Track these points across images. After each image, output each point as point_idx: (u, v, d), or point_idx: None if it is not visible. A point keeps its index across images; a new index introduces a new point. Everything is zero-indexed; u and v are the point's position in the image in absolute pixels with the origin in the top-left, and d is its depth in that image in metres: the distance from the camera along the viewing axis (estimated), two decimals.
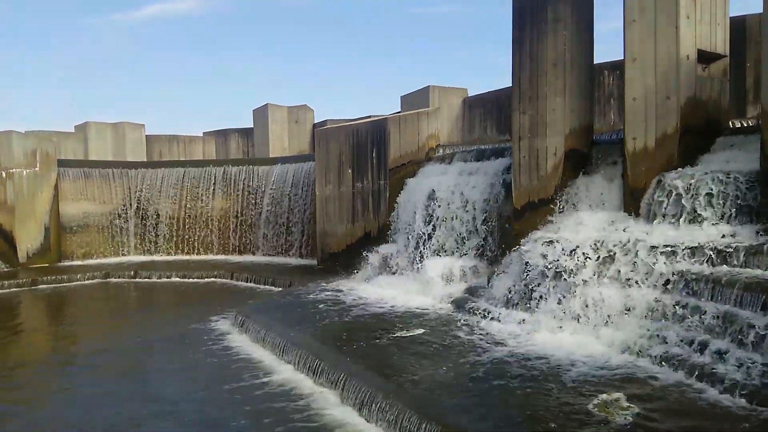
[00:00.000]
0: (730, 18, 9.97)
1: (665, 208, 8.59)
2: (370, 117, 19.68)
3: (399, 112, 19.06)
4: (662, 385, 6.53)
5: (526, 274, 9.75)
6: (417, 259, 13.60)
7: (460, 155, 14.94)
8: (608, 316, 8.21)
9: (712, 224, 8.07)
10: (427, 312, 10.87)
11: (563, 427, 5.59)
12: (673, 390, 6.37)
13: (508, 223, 11.91)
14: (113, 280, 18.92)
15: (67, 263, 21.31)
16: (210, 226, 22.47)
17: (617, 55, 11.20)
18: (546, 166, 10.96)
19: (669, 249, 7.96)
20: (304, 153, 24.92)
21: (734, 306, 6.77)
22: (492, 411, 6.14)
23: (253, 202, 22.13)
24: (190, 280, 18.53)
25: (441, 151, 16.71)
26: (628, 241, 8.47)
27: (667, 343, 7.21)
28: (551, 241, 9.56)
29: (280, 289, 15.77)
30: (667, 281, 7.73)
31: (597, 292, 8.48)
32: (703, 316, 6.98)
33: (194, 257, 22.07)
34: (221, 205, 22.47)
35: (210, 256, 22.08)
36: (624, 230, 8.98)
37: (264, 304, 13.05)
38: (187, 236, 22.56)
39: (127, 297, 16.77)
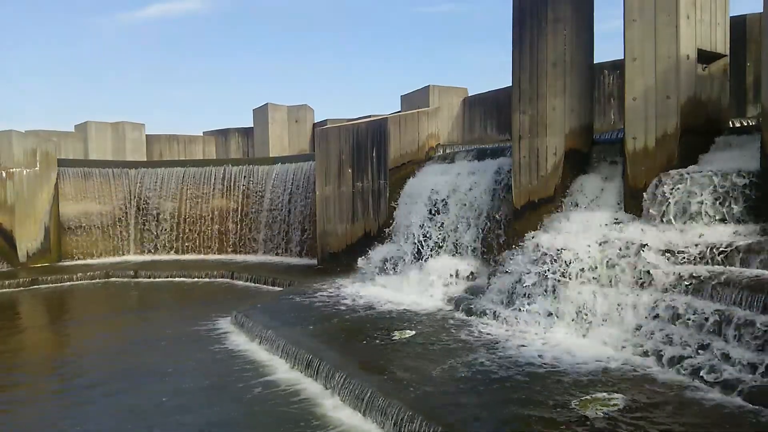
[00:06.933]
0: (730, 17, 9.97)
1: (665, 208, 8.59)
2: (370, 116, 19.66)
3: (399, 112, 19.04)
4: (659, 384, 6.54)
5: (525, 274, 9.74)
6: (417, 259, 13.60)
7: (460, 155, 14.94)
8: (607, 316, 8.22)
9: (712, 224, 8.08)
10: (426, 312, 10.87)
11: (554, 428, 5.60)
12: (669, 389, 6.37)
13: (508, 222, 11.92)
14: (113, 279, 18.93)
15: (67, 263, 21.31)
16: (210, 226, 22.46)
17: (617, 55, 11.20)
18: (546, 165, 10.96)
19: (669, 248, 7.97)
20: (304, 153, 24.90)
21: (734, 306, 6.77)
22: (490, 411, 6.14)
23: (254, 201, 22.12)
24: (191, 279, 18.53)
25: (441, 150, 16.71)
26: (628, 241, 8.47)
27: (666, 343, 7.21)
28: (551, 241, 9.56)
29: (281, 288, 15.77)
30: (667, 281, 7.72)
31: (596, 292, 8.49)
32: (702, 316, 6.98)
33: (194, 257, 22.05)
34: (221, 205, 22.46)
35: (210, 256, 22.07)
36: (624, 230, 8.97)
37: (264, 303, 13.05)
38: (187, 236, 22.55)
39: (127, 297, 16.77)
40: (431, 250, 13.47)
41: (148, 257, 22.17)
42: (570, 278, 8.86)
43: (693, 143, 9.17)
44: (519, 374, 7.15)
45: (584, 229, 9.51)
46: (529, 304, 9.44)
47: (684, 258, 7.79)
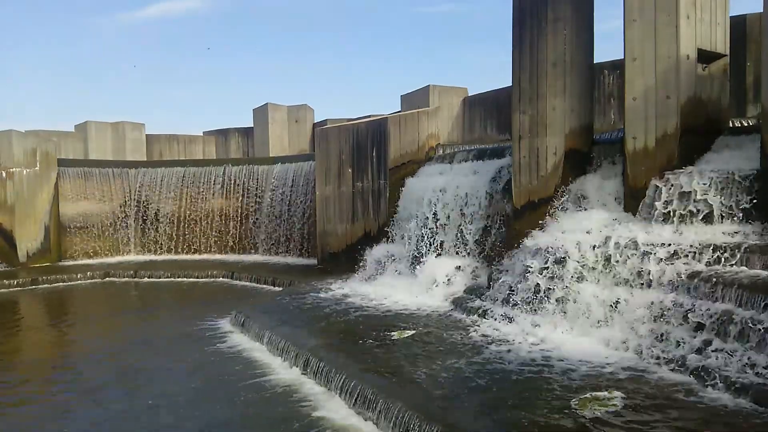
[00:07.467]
0: (730, 17, 9.96)
1: (665, 208, 8.58)
2: (370, 116, 19.65)
3: (399, 112, 19.04)
4: (659, 384, 6.54)
5: (525, 273, 9.75)
6: (417, 259, 13.60)
7: (460, 155, 14.94)
8: (607, 315, 8.21)
9: (712, 224, 8.07)
10: (427, 312, 10.87)
11: (554, 428, 5.60)
12: (669, 389, 6.37)
13: (508, 222, 11.91)
14: (113, 279, 18.93)
15: (67, 263, 21.32)
16: (210, 226, 22.45)
17: (617, 55, 11.20)
18: (546, 165, 10.96)
19: (669, 248, 7.96)
20: (304, 152, 24.90)
21: (734, 305, 6.77)
22: (489, 410, 6.14)
23: (254, 201, 22.12)
24: (191, 279, 18.53)
25: (441, 150, 16.70)
26: (628, 241, 8.47)
27: (666, 342, 7.21)
28: (551, 241, 9.56)
29: (281, 288, 15.77)
30: (667, 281, 7.72)
31: (596, 292, 8.48)
32: (702, 316, 6.98)
33: (194, 257, 22.06)
34: (221, 205, 22.46)
35: (210, 256, 22.07)
36: (624, 230, 8.96)
37: (264, 303, 13.06)
38: (187, 236, 22.56)
39: (127, 297, 16.77)
40: (431, 250, 13.47)
41: (148, 257, 22.17)
42: (570, 278, 8.86)
43: (693, 143, 9.16)
44: (518, 373, 7.15)
45: (584, 229, 9.50)
46: (528, 303, 9.44)
47: (684, 257, 7.78)
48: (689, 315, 7.15)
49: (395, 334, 9.29)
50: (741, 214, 7.99)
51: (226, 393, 8.03)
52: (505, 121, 15.35)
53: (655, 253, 8.04)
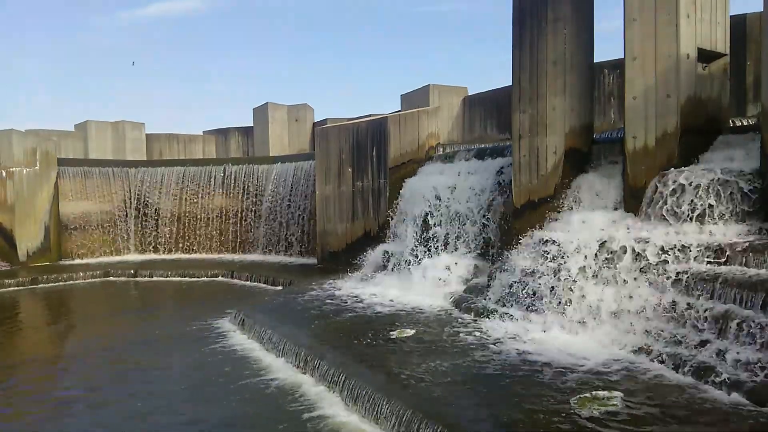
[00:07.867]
0: (731, 16, 9.96)
1: (665, 207, 8.57)
2: (370, 116, 19.65)
3: (399, 111, 19.03)
4: (658, 383, 6.53)
5: (525, 272, 9.74)
6: (417, 258, 13.58)
7: (460, 154, 14.94)
8: (607, 315, 8.21)
9: (712, 223, 8.07)
10: (426, 311, 10.86)
11: (553, 427, 5.59)
12: (668, 388, 6.36)
13: (508, 221, 11.91)
14: (113, 279, 18.93)
15: (67, 262, 21.33)
16: (210, 225, 22.46)
17: (617, 55, 11.21)
18: (546, 165, 10.95)
19: (669, 248, 7.96)
20: (304, 152, 24.88)
21: (734, 305, 6.77)
22: (489, 409, 6.14)
23: (253, 200, 22.13)
24: (191, 279, 18.53)
25: (441, 149, 16.71)
26: (628, 240, 8.46)
27: (665, 341, 7.21)
28: (551, 240, 9.56)
29: (280, 288, 15.78)
30: (667, 280, 7.72)
31: (596, 291, 8.48)
32: (702, 315, 6.97)
33: (194, 256, 22.07)
34: (221, 204, 22.46)
35: (210, 255, 22.08)
36: (624, 229, 8.96)
37: (264, 303, 13.06)
38: (187, 235, 22.56)
39: (128, 296, 16.78)
40: (431, 250, 13.46)
41: (147, 257, 22.17)
42: (570, 277, 8.85)
43: (693, 142, 9.16)
44: (518, 373, 7.14)
45: (584, 228, 9.49)
46: (528, 302, 9.43)
47: (684, 257, 7.77)
48: (688, 314, 7.15)
49: (395, 334, 9.28)
50: (740, 214, 7.99)
51: (225, 392, 8.04)
52: (505, 120, 15.35)
53: (654, 252, 8.03)
